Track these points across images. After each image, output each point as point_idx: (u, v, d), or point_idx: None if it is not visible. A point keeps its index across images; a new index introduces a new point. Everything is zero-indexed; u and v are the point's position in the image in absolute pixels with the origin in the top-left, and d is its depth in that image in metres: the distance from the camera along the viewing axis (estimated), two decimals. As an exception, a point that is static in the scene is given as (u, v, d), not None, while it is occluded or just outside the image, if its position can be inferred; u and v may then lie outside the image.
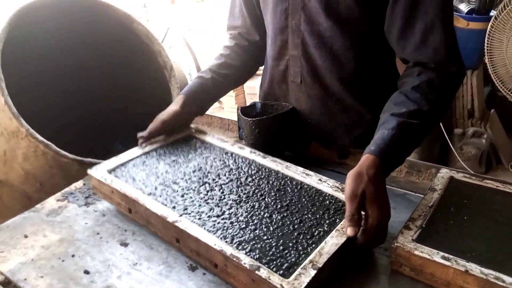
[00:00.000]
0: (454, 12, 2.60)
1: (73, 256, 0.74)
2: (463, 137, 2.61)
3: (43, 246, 0.77)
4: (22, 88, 1.20)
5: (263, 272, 0.59)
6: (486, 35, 2.17)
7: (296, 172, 0.84)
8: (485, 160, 2.69)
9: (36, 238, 0.79)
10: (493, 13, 2.44)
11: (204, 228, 0.69)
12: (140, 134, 0.97)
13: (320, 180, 0.81)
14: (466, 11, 2.55)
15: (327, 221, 0.70)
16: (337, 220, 0.71)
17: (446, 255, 0.61)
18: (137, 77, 1.45)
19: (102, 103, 1.52)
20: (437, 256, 0.61)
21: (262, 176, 0.84)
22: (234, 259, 0.61)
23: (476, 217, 0.70)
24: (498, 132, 2.81)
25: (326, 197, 0.77)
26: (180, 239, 0.72)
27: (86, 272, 0.70)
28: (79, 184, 0.97)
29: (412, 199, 0.88)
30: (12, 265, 0.72)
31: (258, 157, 0.90)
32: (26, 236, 0.80)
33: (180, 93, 1.04)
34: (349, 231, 0.64)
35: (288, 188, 0.80)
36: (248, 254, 0.63)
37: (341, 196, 0.77)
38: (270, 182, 0.82)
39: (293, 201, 0.76)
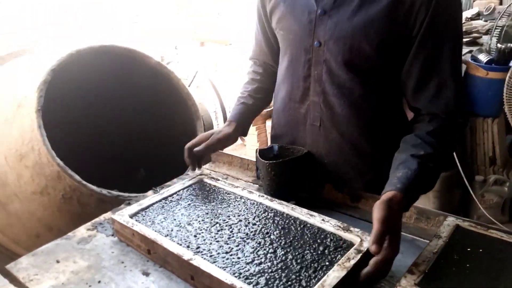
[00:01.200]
0: (474, 62, 2.66)
1: (99, 282, 0.81)
2: (484, 184, 2.58)
3: (73, 271, 0.84)
4: (58, 124, 1.33)
5: None
6: (505, 84, 2.21)
7: (301, 213, 0.90)
8: (508, 208, 2.64)
9: (67, 263, 0.87)
10: (512, 63, 2.49)
11: (216, 265, 0.75)
12: (196, 149, 1.09)
13: (323, 220, 0.87)
14: (485, 61, 2.60)
15: (328, 257, 0.76)
16: (338, 256, 0.76)
17: (446, 300, 0.64)
18: (166, 117, 1.57)
19: (132, 138, 1.64)
20: (437, 300, 0.65)
21: (269, 217, 0.91)
22: (243, 292, 0.67)
23: (478, 266, 0.73)
24: (521, 181, 2.76)
25: (328, 235, 0.82)
26: (194, 276, 0.77)
27: (110, 298, 0.77)
28: (108, 215, 1.04)
29: (421, 245, 0.91)
30: (44, 288, 0.79)
31: (266, 200, 0.97)
32: (58, 261, 0.87)
33: (229, 118, 1.19)
34: (373, 249, 0.69)
35: (292, 227, 0.86)
36: (255, 286, 0.68)
37: (342, 234, 0.82)
38: (276, 221, 0.89)
39: (296, 237, 0.83)
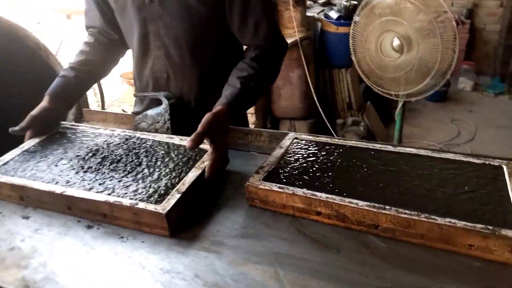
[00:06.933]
0: (326, 19, 3.02)
1: (-23, 232, 0.84)
2: (344, 126, 3.02)
3: None
4: None
5: (141, 205, 0.77)
6: (350, 37, 2.57)
7: (161, 138, 1.05)
8: (365, 144, 3.14)
9: None
10: (357, 18, 2.89)
11: (91, 191, 0.84)
12: (11, 129, 1.06)
13: (181, 139, 1.03)
14: (335, 17, 2.98)
15: (189, 164, 0.92)
16: (197, 159, 0.93)
17: (281, 185, 0.84)
18: (23, 77, 1.52)
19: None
20: (275, 187, 0.84)
21: (129, 144, 1.02)
22: (117, 203, 0.78)
23: (305, 163, 0.95)
24: (374, 120, 3.29)
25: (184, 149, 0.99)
26: (71, 206, 0.85)
27: (-9, 241, 0.81)
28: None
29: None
30: None
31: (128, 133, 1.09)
32: None
33: (46, 93, 1.13)
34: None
35: (159, 148, 1.00)
36: (128, 198, 0.80)
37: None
38: (140, 145, 1.01)
39: (163, 156, 0.97)
